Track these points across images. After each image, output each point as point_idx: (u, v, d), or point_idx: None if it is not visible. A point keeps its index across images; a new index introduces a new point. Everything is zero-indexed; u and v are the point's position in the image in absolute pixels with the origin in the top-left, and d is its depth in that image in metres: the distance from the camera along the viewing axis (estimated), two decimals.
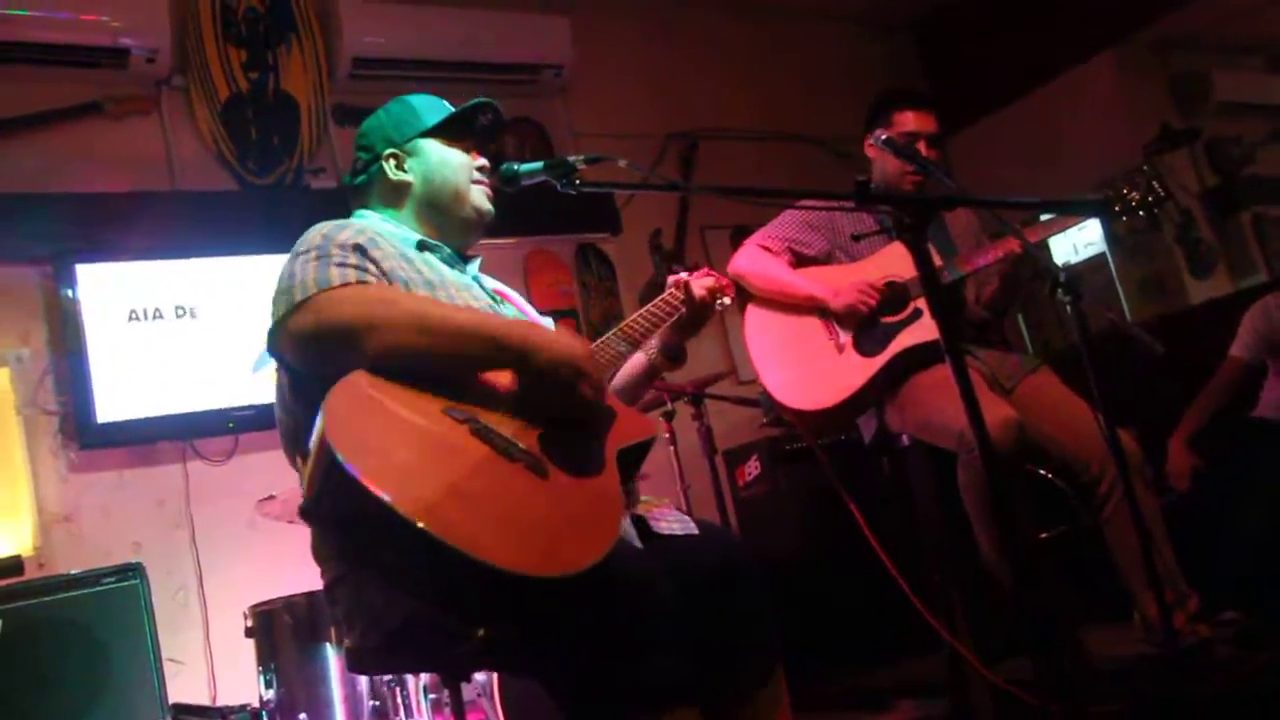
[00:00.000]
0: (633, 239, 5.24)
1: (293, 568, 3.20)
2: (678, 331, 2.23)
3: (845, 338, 3.07)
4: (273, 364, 1.89)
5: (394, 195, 2.14)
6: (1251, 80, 6.73)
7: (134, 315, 3.89)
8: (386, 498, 1.46)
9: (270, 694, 3.14)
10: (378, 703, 3.13)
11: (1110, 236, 5.89)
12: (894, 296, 3.02)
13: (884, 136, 2.70)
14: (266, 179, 4.37)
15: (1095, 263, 5.98)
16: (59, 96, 4.05)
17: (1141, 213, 2.74)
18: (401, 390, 1.69)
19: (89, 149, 4.09)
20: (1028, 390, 3.01)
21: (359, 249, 1.87)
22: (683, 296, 2.19)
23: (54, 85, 4.05)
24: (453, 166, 2.12)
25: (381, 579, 1.69)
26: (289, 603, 3.19)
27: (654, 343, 2.24)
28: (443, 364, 1.74)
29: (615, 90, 5.36)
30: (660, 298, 2.20)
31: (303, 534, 1.90)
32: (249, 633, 3.20)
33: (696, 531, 2.01)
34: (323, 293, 1.74)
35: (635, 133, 5.30)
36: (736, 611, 1.91)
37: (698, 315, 2.21)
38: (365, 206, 2.17)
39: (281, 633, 3.18)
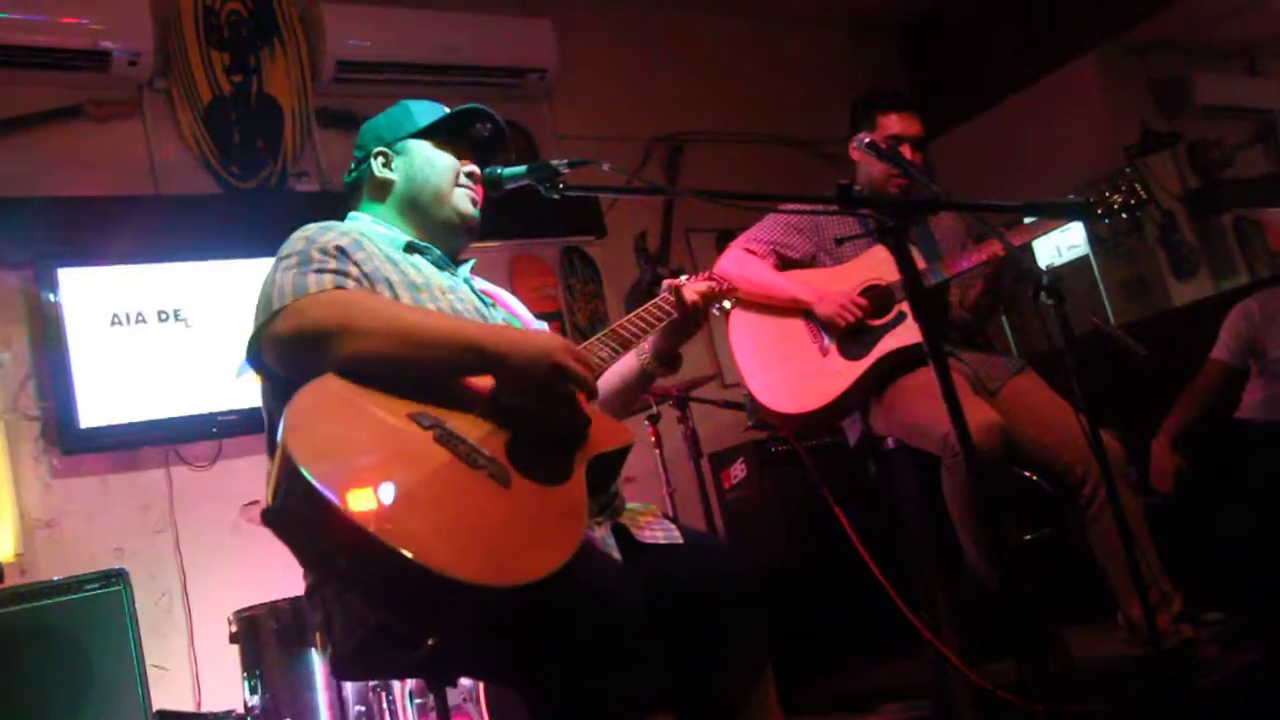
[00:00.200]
0: (617, 242, 5.24)
1: (277, 573, 3.18)
2: (671, 336, 2.21)
3: (829, 341, 3.07)
4: None
5: (379, 193, 2.14)
6: (1232, 83, 6.78)
7: (116, 319, 3.87)
8: (338, 503, 1.44)
9: (255, 700, 3.13)
10: (363, 708, 3.12)
11: (1093, 239, 5.92)
12: (876, 305, 3.02)
13: (868, 140, 2.71)
14: (250, 182, 4.36)
15: (1078, 265, 6.01)
16: (40, 100, 4.03)
17: (1124, 215, 2.76)
18: (370, 394, 1.68)
19: (71, 152, 4.07)
20: (1012, 392, 3.02)
21: (340, 251, 1.86)
22: (674, 300, 2.18)
23: (34, 88, 4.03)
24: (436, 168, 2.12)
25: (341, 586, 1.68)
26: (274, 608, 3.18)
27: (647, 347, 2.22)
28: (417, 369, 1.73)
29: (600, 93, 5.37)
30: (653, 301, 2.19)
31: None
32: (233, 638, 3.19)
33: (681, 540, 1.99)
34: (299, 299, 1.75)
35: (620, 136, 5.31)
36: (722, 618, 1.90)
37: (689, 320, 2.19)
38: (358, 206, 2.17)
39: (266, 638, 3.17)
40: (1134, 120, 5.79)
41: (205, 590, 3.84)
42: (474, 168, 2.15)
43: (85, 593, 3.09)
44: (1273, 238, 6.42)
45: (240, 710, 3.20)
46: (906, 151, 3.10)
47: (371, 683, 3.08)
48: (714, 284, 2.24)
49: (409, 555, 1.42)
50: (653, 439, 4.00)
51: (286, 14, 4.52)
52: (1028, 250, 5.12)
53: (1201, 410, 3.81)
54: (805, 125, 5.72)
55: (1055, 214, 2.90)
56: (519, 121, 5.07)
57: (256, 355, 1.82)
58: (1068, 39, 5.73)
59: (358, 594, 1.62)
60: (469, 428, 1.69)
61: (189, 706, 3.68)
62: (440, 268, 2.08)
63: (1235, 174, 6.43)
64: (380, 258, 1.93)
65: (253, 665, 3.16)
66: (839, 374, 3.02)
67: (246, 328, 1.82)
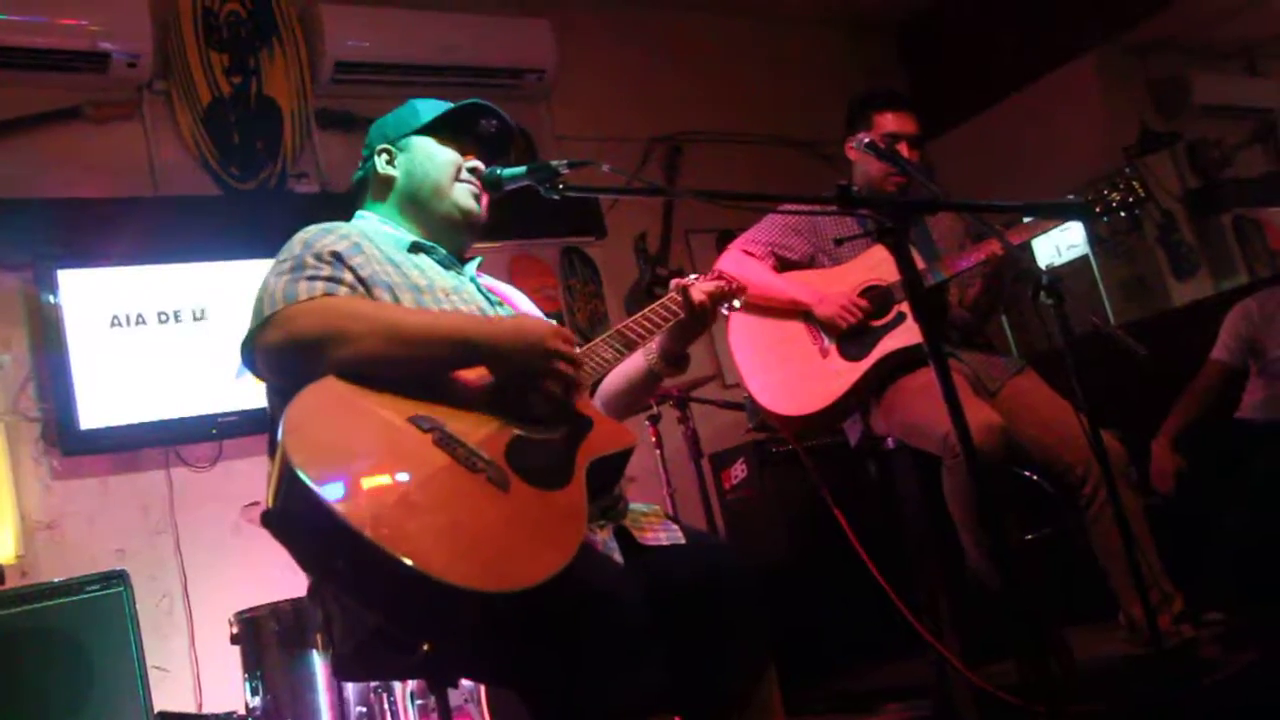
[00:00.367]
0: (617, 242, 5.24)
1: (278, 574, 3.18)
2: (678, 336, 2.20)
3: (829, 342, 3.07)
4: None
5: (383, 190, 2.15)
6: (1231, 83, 6.78)
7: (116, 321, 3.87)
8: (335, 506, 1.45)
9: (256, 701, 3.12)
10: (365, 709, 3.12)
11: (1093, 238, 5.92)
12: (877, 302, 3.02)
13: (866, 140, 2.71)
14: (249, 184, 4.36)
15: (1078, 264, 6.01)
16: (39, 101, 4.03)
17: (1122, 213, 2.76)
18: (371, 396, 1.68)
19: (70, 154, 4.06)
20: (1012, 392, 3.02)
21: (336, 257, 1.86)
22: (682, 300, 2.17)
23: (33, 90, 4.02)
24: (436, 162, 2.11)
25: (338, 589, 1.68)
26: (275, 609, 3.18)
27: (654, 348, 2.21)
28: (412, 368, 1.74)
29: (599, 94, 5.37)
30: (659, 301, 2.18)
31: None
32: (234, 639, 3.19)
33: (684, 541, 1.99)
34: (289, 307, 1.75)
35: (619, 136, 5.31)
36: (724, 619, 1.91)
37: (697, 320, 2.19)
38: (364, 205, 2.18)
39: (267, 639, 3.17)
40: (1133, 120, 5.79)
41: (206, 591, 3.84)
42: (477, 163, 2.14)
43: (86, 594, 3.09)
44: (1272, 237, 6.42)
45: (241, 711, 3.20)
46: (903, 149, 3.10)
47: (372, 684, 3.08)
48: (722, 283, 2.22)
49: (405, 560, 1.41)
50: (653, 439, 4.00)
51: (285, 15, 4.52)
52: (1027, 249, 5.12)
53: (1201, 410, 3.81)
54: (804, 126, 5.72)
55: (1053, 215, 2.90)
56: (518, 122, 5.05)
57: (250, 360, 1.82)
58: (1067, 39, 5.73)
59: (354, 597, 1.62)
60: (469, 431, 1.69)
61: (190, 708, 3.68)
62: (446, 267, 2.08)
63: (1235, 174, 6.43)
64: (381, 260, 1.93)
65: (254, 666, 3.16)
66: (839, 375, 3.02)
67: (246, 330, 1.83)
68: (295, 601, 3.16)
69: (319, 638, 3.12)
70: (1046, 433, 2.88)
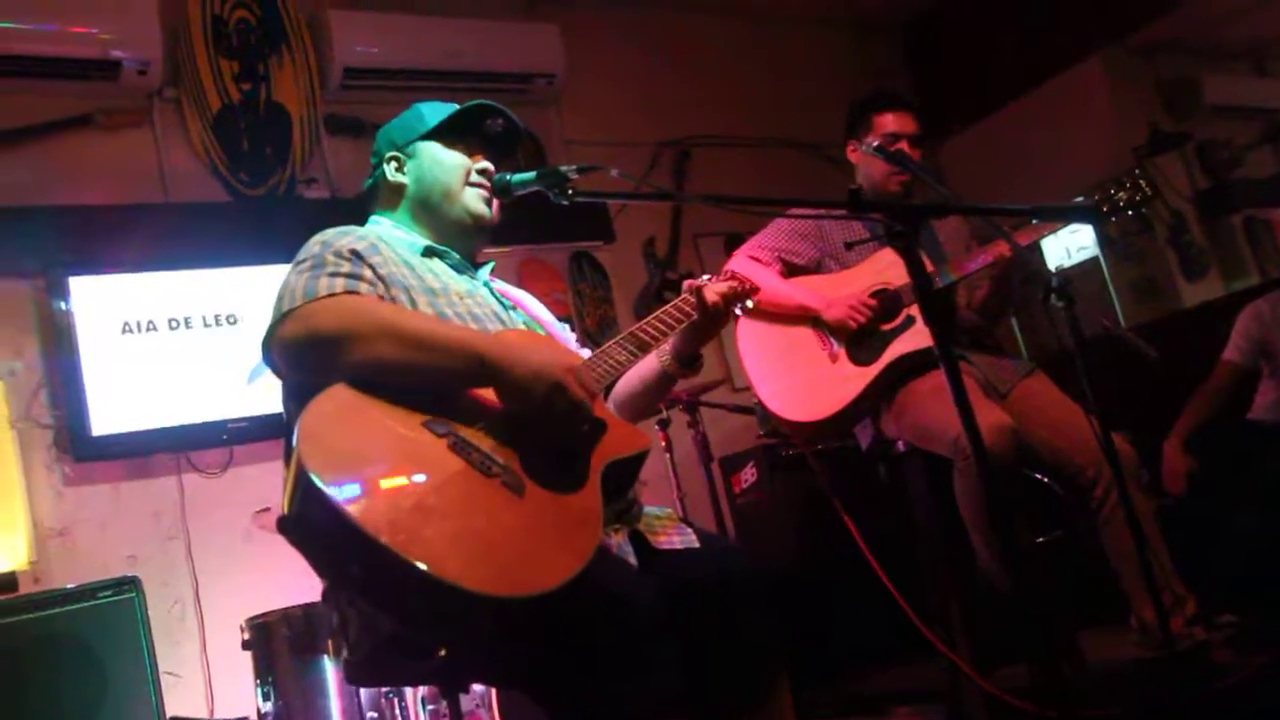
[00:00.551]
0: (626, 247, 5.24)
1: (290, 579, 3.20)
2: (692, 337, 2.20)
3: (839, 347, 3.07)
4: (269, 375, 1.90)
5: (394, 197, 2.15)
6: (1240, 83, 6.75)
7: (127, 327, 3.88)
8: (351, 512, 1.45)
9: (268, 706, 3.13)
10: (376, 714, 3.12)
11: (1103, 240, 5.90)
12: (886, 306, 3.02)
13: (875, 144, 2.71)
14: (259, 190, 4.37)
15: (1088, 266, 5.99)
16: (50, 109, 4.04)
17: (1130, 212, 2.75)
18: (383, 402, 1.68)
19: (81, 161, 4.08)
20: (1022, 395, 3.01)
21: (356, 255, 1.87)
22: (695, 301, 2.17)
23: (45, 98, 4.04)
24: (445, 166, 2.12)
25: (354, 594, 1.69)
26: (286, 615, 3.19)
27: (667, 349, 2.21)
28: (422, 377, 1.74)
29: (607, 98, 5.37)
30: (673, 303, 2.18)
31: None
32: (246, 645, 3.19)
33: (697, 544, 1.99)
34: (309, 303, 1.76)
35: (627, 140, 5.31)
36: (737, 622, 1.90)
37: (711, 321, 2.18)
38: (375, 212, 2.18)
39: (279, 645, 3.17)
40: (1142, 122, 5.77)
41: (218, 597, 3.84)
42: (487, 164, 2.14)
43: (98, 600, 3.10)
44: None
45: (253, 717, 3.21)
46: (905, 148, 3.10)
47: (384, 689, 3.08)
48: (734, 284, 2.22)
49: (421, 566, 1.42)
50: (663, 444, 4.00)
51: (294, 21, 4.54)
52: (1036, 251, 5.11)
53: (1213, 412, 3.80)
54: (811, 128, 5.70)
55: (1061, 218, 2.90)
56: (527, 126, 5.06)
57: (269, 356, 1.83)
58: (1074, 40, 5.72)
59: (370, 603, 1.62)
60: (483, 436, 1.69)
61: (202, 713, 3.69)
62: (459, 271, 2.09)
63: (1245, 174, 6.41)
64: (397, 262, 1.94)
65: (265, 672, 3.16)
66: (849, 380, 3.01)
67: (258, 335, 1.83)
68: (307, 607, 3.17)
69: (330, 643, 3.12)
70: (1057, 435, 2.87)
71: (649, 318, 2.13)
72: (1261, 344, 3.79)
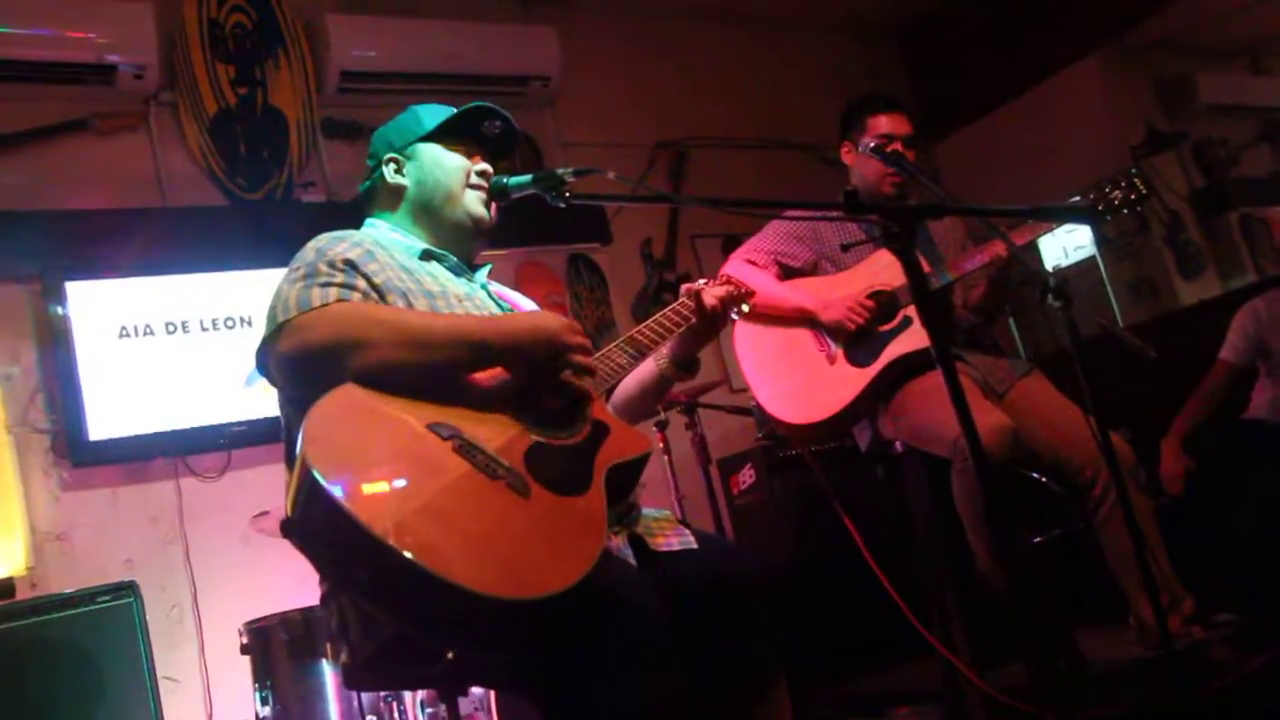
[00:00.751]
0: (623, 248, 5.24)
1: (288, 584, 3.21)
2: (689, 341, 2.20)
3: (836, 348, 3.07)
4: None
5: (393, 200, 2.15)
6: (1236, 82, 6.77)
7: (125, 332, 3.88)
8: (358, 515, 1.45)
9: (266, 711, 3.13)
10: (375, 718, 3.12)
11: (1100, 239, 5.91)
12: (883, 307, 3.02)
13: (871, 145, 2.71)
14: (256, 194, 4.37)
15: (1085, 265, 6.00)
16: (47, 113, 4.04)
17: (1125, 210, 2.76)
18: (388, 403, 1.68)
19: (77, 166, 4.08)
20: (1020, 395, 3.02)
21: (349, 264, 1.86)
22: (694, 305, 2.17)
23: (41, 103, 4.04)
24: (446, 169, 2.12)
25: (359, 597, 1.69)
26: (284, 619, 3.18)
27: (665, 352, 2.22)
28: (429, 373, 1.74)
29: (604, 100, 5.37)
30: (671, 307, 2.18)
31: (297, 550, 1.90)
32: (244, 650, 3.19)
33: (695, 546, 1.99)
34: (302, 314, 1.74)
35: (624, 142, 5.31)
36: (735, 623, 1.91)
37: (709, 324, 2.19)
38: (373, 214, 2.18)
39: (277, 649, 3.17)
40: (1139, 121, 5.78)
41: (216, 601, 3.84)
42: (485, 166, 2.15)
43: (96, 605, 3.10)
44: (1279, 236, 6.40)
45: None
46: (898, 150, 3.10)
47: (383, 693, 3.08)
48: (731, 287, 2.23)
49: (429, 568, 1.42)
50: (661, 445, 4.00)
51: (291, 25, 4.54)
52: (1032, 250, 5.11)
53: (1210, 411, 3.80)
54: (808, 129, 5.71)
55: (1057, 218, 2.90)
56: (524, 129, 5.06)
57: (264, 368, 1.82)
58: (1071, 40, 5.73)
59: (376, 605, 1.62)
60: (488, 437, 1.69)
61: (200, 718, 3.69)
62: (457, 274, 2.09)
63: (1241, 173, 6.42)
64: (394, 268, 1.93)
65: (264, 676, 3.16)
66: (847, 382, 3.01)
67: (255, 338, 1.83)
68: (305, 611, 3.17)
69: (329, 647, 3.12)
70: (1055, 435, 2.88)
71: (647, 321, 2.14)
72: (1258, 343, 3.80)
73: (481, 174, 2.14)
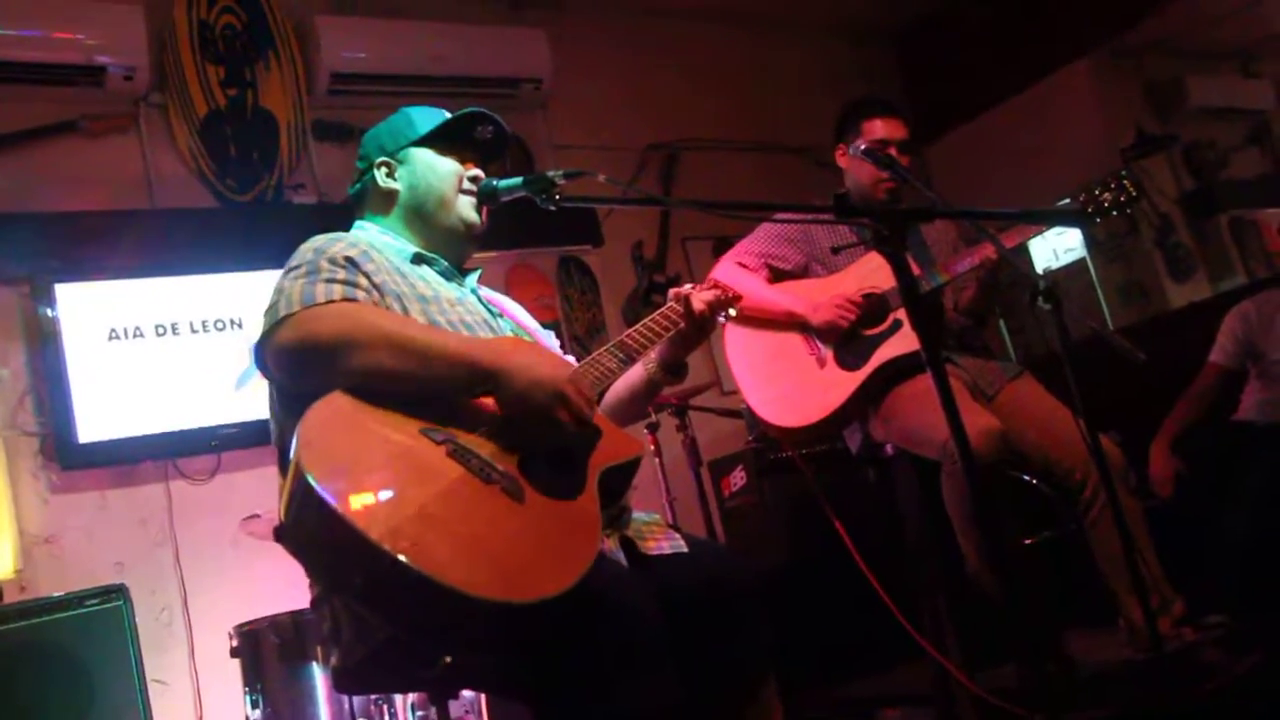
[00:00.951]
0: (614, 250, 5.24)
1: (278, 587, 3.19)
2: (678, 345, 2.21)
3: (826, 351, 3.07)
4: (257, 381, 1.89)
5: (384, 203, 2.14)
6: (1225, 85, 6.79)
7: (114, 334, 3.87)
8: (353, 520, 1.45)
9: (256, 714, 3.12)
10: None
11: (1090, 241, 5.93)
12: (873, 309, 3.02)
13: (863, 147, 2.71)
14: (246, 195, 4.36)
15: (1075, 268, 6.02)
16: (35, 115, 4.02)
17: (1115, 213, 2.76)
18: (380, 410, 1.68)
19: (67, 167, 4.06)
20: (1009, 397, 3.02)
21: (350, 262, 1.87)
22: (682, 310, 2.18)
23: (29, 104, 4.02)
24: (439, 174, 2.12)
25: (354, 602, 1.68)
26: (274, 622, 3.18)
27: (653, 357, 2.22)
28: (421, 386, 1.73)
29: (595, 102, 5.37)
30: (659, 311, 2.19)
31: (287, 553, 1.89)
32: (234, 653, 3.19)
33: (686, 549, 2.00)
34: (306, 309, 1.75)
35: (616, 145, 5.32)
36: (725, 626, 1.91)
37: (698, 329, 2.20)
38: (363, 217, 2.17)
39: (267, 652, 3.16)
40: (1129, 123, 5.80)
41: (206, 604, 3.83)
42: (478, 171, 2.15)
43: (85, 608, 3.10)
44: (1269, 238, 6.43)
45: None
46: (893, 154, 3.10)
47: (373, 696, 3.07)
48: (718, 292, 2.24)
49: (425, 572, 1.42)
50: (652, 448, 4.00)
51: (281, 27, 4.52)
52: (1023, 252, 5.12)
53: (1200, 413, 3.81)
54: (800, 132, 5.71)
55: (1047, 221, 2.90)
56: (515, 131, 5.06)
57: (262, 361, 1.82)
58: (1063, 43, 5.74)
59: (371, 609, 1.62)
60: (480, 443, 1.69)
61: None
62: (448, 278, 2.09)
63: (1231, 175, 6.44)
64: (388, 270, 1.93)
65: (254, 679, 3.15)
66: (837, 385, 3.02)
67: (245, 341, 1.83)
68: (295, 614, 3.16)
69: (319, 650, 3.11)
70: (1045, 437, 2.88)
71: (636, 326, 2.14)
72: (1248, 345, 3.81)
73: (473, 179, 2.14)
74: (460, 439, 1.67)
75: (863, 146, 2.99)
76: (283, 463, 1.91)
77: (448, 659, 1.68)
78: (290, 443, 1.56)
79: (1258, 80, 7.06)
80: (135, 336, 3.90)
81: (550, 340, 2.29)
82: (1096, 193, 2.75)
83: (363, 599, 1.59)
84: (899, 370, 2.96)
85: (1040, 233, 3.14)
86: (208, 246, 4.14)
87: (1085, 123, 5.76)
